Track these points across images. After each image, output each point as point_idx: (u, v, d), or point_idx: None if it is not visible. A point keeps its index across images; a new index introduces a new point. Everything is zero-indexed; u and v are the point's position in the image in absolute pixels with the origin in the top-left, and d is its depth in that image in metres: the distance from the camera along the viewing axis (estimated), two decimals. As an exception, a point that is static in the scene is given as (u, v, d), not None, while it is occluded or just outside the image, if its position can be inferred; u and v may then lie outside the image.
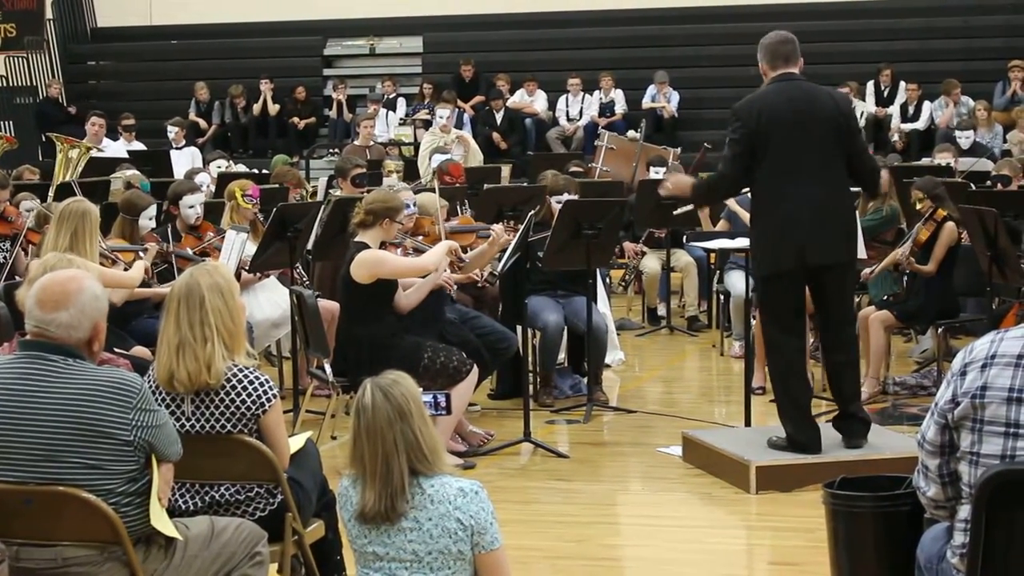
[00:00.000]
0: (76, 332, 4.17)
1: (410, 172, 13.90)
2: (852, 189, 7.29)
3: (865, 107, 17.58)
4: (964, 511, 3.86)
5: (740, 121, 6.93)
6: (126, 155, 14.14)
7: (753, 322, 9.07)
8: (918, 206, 9.23)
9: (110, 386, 4.17)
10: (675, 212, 11.11)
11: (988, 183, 11.19)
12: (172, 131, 16.21)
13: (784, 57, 6.99)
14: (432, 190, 9.22)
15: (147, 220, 8.66)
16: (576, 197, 9.32)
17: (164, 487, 4.34)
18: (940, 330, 9.34)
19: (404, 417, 3.95)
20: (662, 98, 18.85)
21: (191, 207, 9.01)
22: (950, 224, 9.09)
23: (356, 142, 15.75)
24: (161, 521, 4.31)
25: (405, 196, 8.36)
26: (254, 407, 4.73)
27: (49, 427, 4.13)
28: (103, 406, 4.14)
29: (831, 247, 6.93)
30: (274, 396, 4.79)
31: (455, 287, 8.52)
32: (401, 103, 19.55)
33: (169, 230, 8.93)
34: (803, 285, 7.03)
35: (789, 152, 6.84)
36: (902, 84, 17.91)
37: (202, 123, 20.04)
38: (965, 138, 14.98)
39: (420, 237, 8.43)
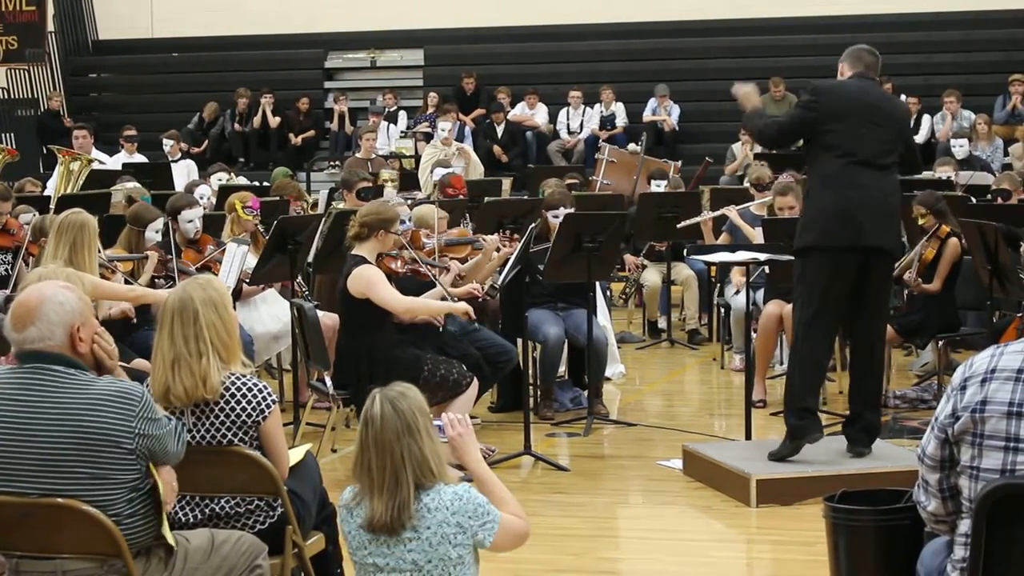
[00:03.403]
0: (51, 340, 4.19)
1: (406, 182, 13.90)
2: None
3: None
4: (964, 525, 3.86)
5: (817, 98, 7.15)
6: (120, 167, 14.17)
7: (754, 335, 9.08)
8: (920, 221, 9.24)
9: (112, 395, 4.19)
10: (679, 226, 11.13)
11: (988, 197, 11.19)
12: (168, 144, 16.25)
13: (865, 63, 7.23)
14: (432, 201, 9.23)
15: (154, 233, 8.66)
16: (571, 210, 9.31)
17: (168, 491, 4.34)
18: (941, 344, 9.34)
19: (412, 432, 4.01)
20: (663, 111, 18.86)
21: (190, 221, 9.00)
22: (953, 240, 9.10)
23: (358, 155, 15.77)
24: (162, 528, 4.32)
25: (401, 211, 8.35)
26: (255, 414, 4.74)
27: (52, 437, 4.14)
28: (106, 414, 4.15)
29: (888, 233, 7.07)
30: (273, 402, 4.80)
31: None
32: (402, 116, 19.57)
33: (173, 243, 8.92)
34: (844, 272, 6.99)
35: (857, 144, 6.99)
36: (902, 98, 17.88)
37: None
38: (959, 147, 14.96)
39: (419, 251, 8.42)
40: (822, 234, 6.99)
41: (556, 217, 9.16)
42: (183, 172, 15.41)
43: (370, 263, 7.59)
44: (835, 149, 7.01)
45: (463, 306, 7.68)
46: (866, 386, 7.22)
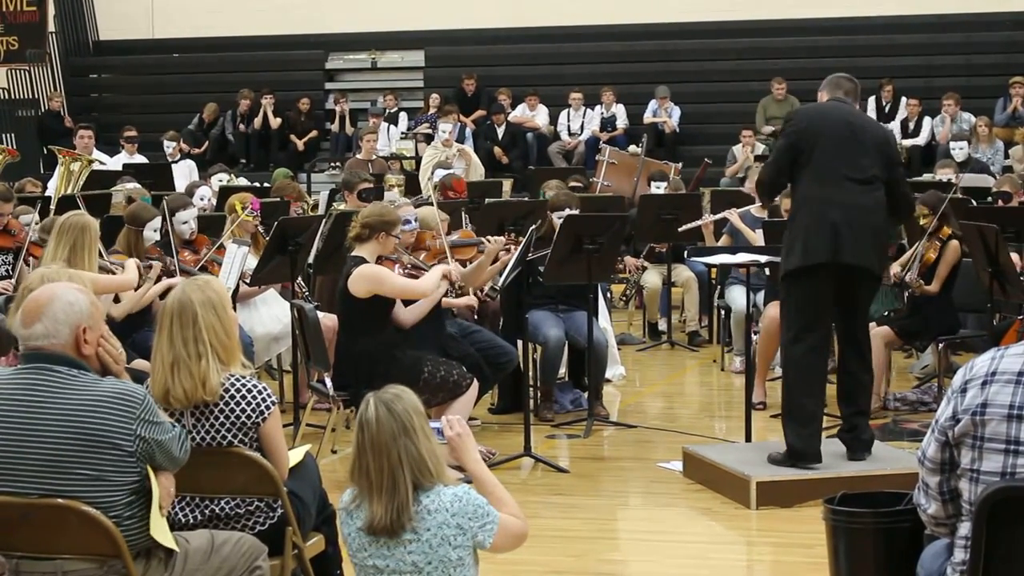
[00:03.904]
0: (55, 339, 4.21)
1: (411, 186, 13.91)
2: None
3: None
4: (964, 528, 3.86)
5: (795, 121, 7.20)
6: (121, 168, 14.17)
7: (754, 337, 9.08)
8: (922, 221, 9.23)
9: (113, 397, 4.19)
10: (680, 229, 11.13)
11: (989, 199, 11.19)
12: (169, 145, 16.26)
13: (844, 90, 7.27)
14: (432, 204, 9.24)
15: (152, 232, 8.66)
16: (577, 212, 9.32)
17: (165, 496, 4.34)
18: (941, 346, 9.34)
19: (408, 432, 4.00)
20: (663, 113, 18.86)
21: (185, 223, 9.03)
22: (954, 243, 9.10)
23: (359, 156, 15.78)
24: (160, 532, 4.31)
25: (406, 211, 8.36)
26: (254, 415, 4.74)
27: (53, 438, 4.15)
28: (106, 416, 4.16)
29: (866, 251, 7.02)
30: (273, 403, 4.80)
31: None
32: (403, 117, 19.58)
33: (172, 244, 8.92)
34: (830, 289, 7.02)
35: (837, 161, 6.99)
36: (903, 100, 17.92)
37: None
38: (959, 149, 14.97)
39: (423, 253, 8.43)
40: (804, 253, 6.99)
41: (562, 218, 9.15)
42: (184, 173, 15.42)
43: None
44: (815, 169, 7.00)
45: (456, 267, 7.73)
46: (858, 394, 7.22)
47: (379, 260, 7.67)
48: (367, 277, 7.48)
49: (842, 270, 6.98)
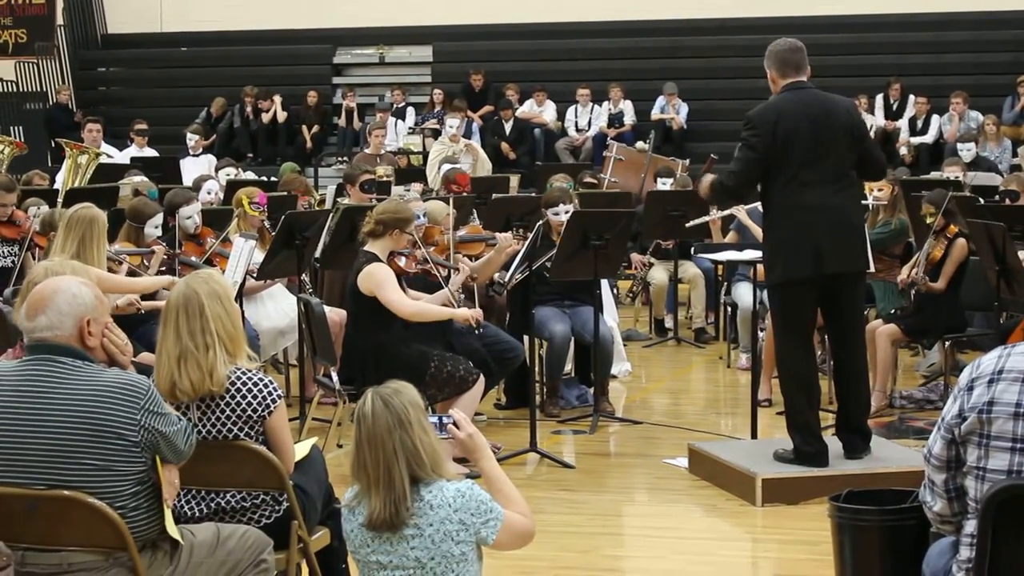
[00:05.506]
0: (59, 331, 4.22)
1: (407, 177, 13.86)
2: (863, 202, 7.28)
3: (874, 120, 17.60)
4: (970, 526, 3.86)
5: (756, 129, 6.90)
6: (128, 161, 14.18)
7: (761, 334, 9.07)
8: (928, 219, 9.22)
9: (118, 387, 4.20)
10: (687, 225, 11.12)
11: (996, 198, 11.17)
12: (192, 139, 16.28)
13: (795, 66, 7.01)
14: (445, 200, 9.25)
15: (153, 228, 8.65)
16: (570, 207, 9.29)
17: (169, 488, 4.35)
18: (947, 344, 9.33)
19: (403, 425, 3.99)
20: (671, 109, 18.86)
21: (188, 218, 9.01)
22: (961, 240, 9.08)
23: (367, 150, 15.78)
24: (167, 524, 4.32)
25: (415, 207, 8.35)
26: (260, 408, 4.75)
27: (59, 429, 4.16)
28: (111, 406, 4.17)
29: (848, 255, 6.96)
30: (279, 397, 4.81)
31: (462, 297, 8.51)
32: (410, 112, 19.59)
33: (176, 238, 8.91)
34: (817, 295, 7.00)
35: (806, 161, 6.84)
36: (911, 98, 17.91)
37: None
38: (967, 150, 14.94)
39: (431, 248, 8.43)
40: (785, 269, 6.94)
41: (556, 215, 9.15)
42: (204, 166, 15.40)
43: (381, 260, 7.60)
44: (783, 176, 6.85)
45: (465, 312, 7.66)
46: (854, 395, 7.19)
47: (391, 255, 7.68)
48: (371, 279, 7.50)
49: (827, 277, 6.94)
